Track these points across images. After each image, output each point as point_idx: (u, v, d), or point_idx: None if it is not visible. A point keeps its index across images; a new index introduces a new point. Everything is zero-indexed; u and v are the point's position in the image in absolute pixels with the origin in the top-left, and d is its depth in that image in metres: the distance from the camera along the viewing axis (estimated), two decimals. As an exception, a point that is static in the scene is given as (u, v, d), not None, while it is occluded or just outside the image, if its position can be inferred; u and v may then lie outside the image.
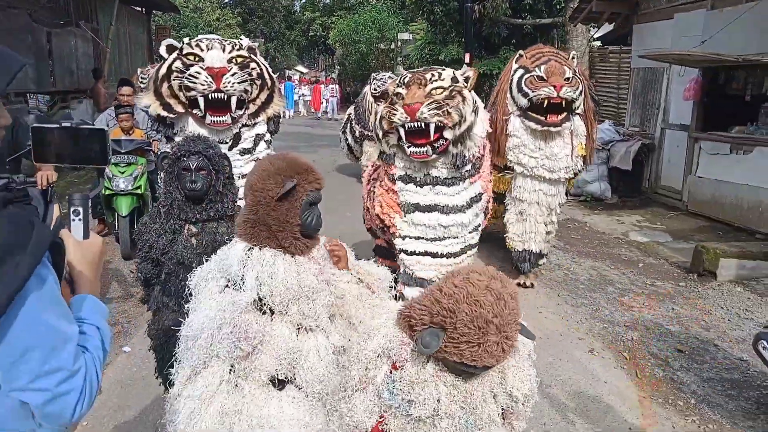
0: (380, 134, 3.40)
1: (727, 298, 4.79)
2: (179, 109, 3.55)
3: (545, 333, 4.12)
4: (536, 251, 4.92)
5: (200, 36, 3.66)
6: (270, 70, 3.83)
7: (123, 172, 5.34)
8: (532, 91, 4.44)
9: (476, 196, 3.51)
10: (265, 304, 1.75)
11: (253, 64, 3.63)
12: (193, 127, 3.55)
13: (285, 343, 1.75)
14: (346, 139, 8.95)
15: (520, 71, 4.59)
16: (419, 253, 3.56)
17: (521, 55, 4.71)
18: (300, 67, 50.30)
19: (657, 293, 4.96)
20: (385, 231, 3.79)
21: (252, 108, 3.73)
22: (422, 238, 3.53)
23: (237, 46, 3.60)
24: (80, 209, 1.28)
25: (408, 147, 3.26)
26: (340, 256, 1.93)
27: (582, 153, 4.75)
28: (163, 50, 3.57)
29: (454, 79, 3.28)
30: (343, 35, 26.51)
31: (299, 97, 26.05)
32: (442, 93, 3.19)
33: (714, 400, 3.29)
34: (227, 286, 1.80)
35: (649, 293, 4.95)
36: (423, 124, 3.15)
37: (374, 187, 3.84)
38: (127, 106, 5.65)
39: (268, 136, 3.86)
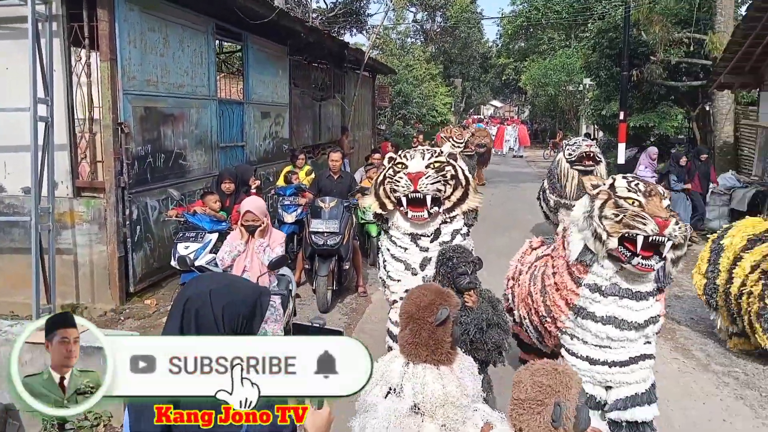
0: (604, 236, 3.14)
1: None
2: (390, 207, 4.16)
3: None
4: None
5: (408, 150, 4.37)
6: (466, 171, 4.28)
7: (371, 208, 8.70)
8: None
9: (655, 317, 3.34)
10: (419, 408, 2.21)
11: (448, 167, 4.10)
12: (400, 221, 4.16)
13: None
14: (541, 207, 9.16)
15: None
16: (579, 356, 3.43)
17: None
18: (495, 102, 54.10)
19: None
20: (543, 321, 3.70)
21: (447, 204, 4.11)
22: (588, 342, 3.40)
23: (436, 154, 4.16)
24: None
25: (637, 257, 3.07)
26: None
27: None
28: (386, 161, 4.38)
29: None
30: (533, 79, 29.37)
31: (488, 135, 29.47)
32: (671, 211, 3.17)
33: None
34: (389, 392, 2.26)
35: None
36: (664, 239, 3.03)
37: (541, 273, 3.78)
38: (374, 165, 8.10)
39: (464, 230, 4.23)
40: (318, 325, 1.61)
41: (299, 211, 7.36)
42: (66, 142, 5.94)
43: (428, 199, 3.97)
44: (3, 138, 5.92)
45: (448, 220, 4.15)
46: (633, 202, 3.10)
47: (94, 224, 6.09)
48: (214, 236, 5.47)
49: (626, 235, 3.08)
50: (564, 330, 3.49)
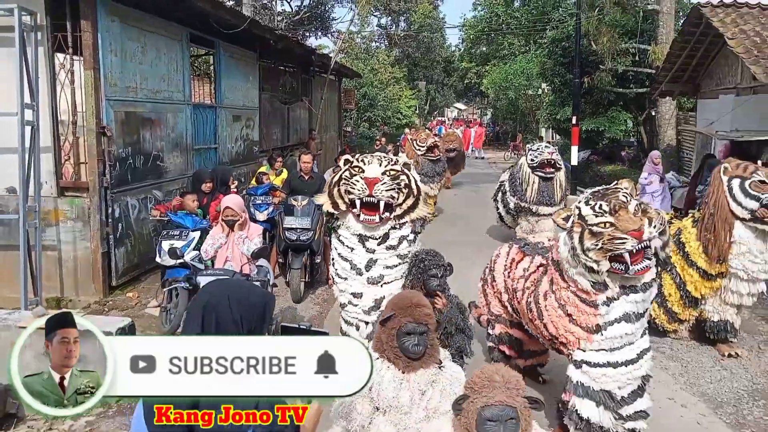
0: (595, 266, 3.26)
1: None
2: (343, 207, 4.25)
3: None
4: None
5: (365, 154, 4.43)
6: (418, 181, 4.44)
7: (323, 206, 9.03)
8: (763, 194, 4.85)
9: (652, 300, 3.59)
10: (374, 400, 2.37)
11: (402, 176, 4.24)
12: (351, 222, 4.26)
13: None
14: (497, 207, 9.18)
15: (737, 180, 4.99)
16: (602, 365, 3.49)
17: (726, 169, 5.12)
18: (459, 104, 55.14)
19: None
20: (553, 342, 3.74)
21: (398, 211, 4.24)
22: (604, 349, 3.48)
23: (393, 162, 4.29)
24: None
25: (632, 267, 3.23)
26: None
27: None
28: (341, 162, 4.46)
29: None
30: (494, 83, 30.30)
31: (452, 137, 30.29)
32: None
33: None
34: None
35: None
36: (646, 243, 3.21)
37: (535, 300, 3.77)
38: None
39: (411, 236, 4.38)
40: (305, 327, 1.65)
41: (271, 209, 7.82)
42: (50, 145, 6.28)
43: (381, 204, 4.11)
44: (-11, 141, 6.23)
45: (397, 226, 4.29)
46: (605, 225, 3.20)
47: (78, 222, 6.44)
48: (197, 234, 5.88)
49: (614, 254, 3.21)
50: (581, 348, 3.53)
